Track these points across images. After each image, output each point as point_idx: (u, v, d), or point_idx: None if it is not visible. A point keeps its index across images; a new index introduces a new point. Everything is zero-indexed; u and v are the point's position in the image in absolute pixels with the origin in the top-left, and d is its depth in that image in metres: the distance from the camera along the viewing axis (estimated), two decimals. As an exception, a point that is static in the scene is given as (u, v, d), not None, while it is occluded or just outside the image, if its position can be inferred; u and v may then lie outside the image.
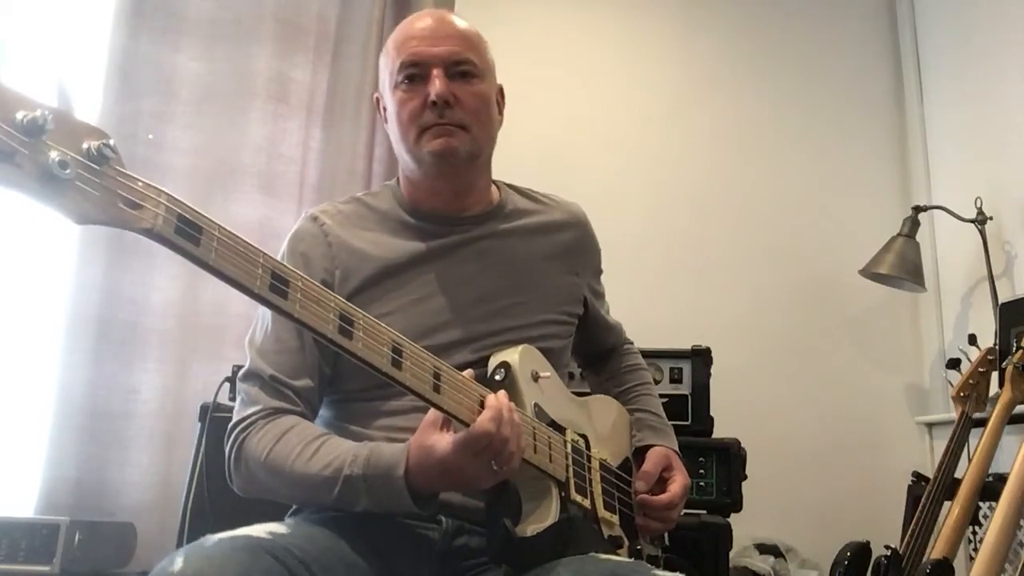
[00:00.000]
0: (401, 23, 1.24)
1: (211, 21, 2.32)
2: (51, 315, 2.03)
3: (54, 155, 0.62)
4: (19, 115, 0.60)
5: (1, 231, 2.07)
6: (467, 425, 0.93)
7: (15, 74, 0.64)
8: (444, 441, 0.94)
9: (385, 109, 1.24)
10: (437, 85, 1.13)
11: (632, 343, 1.50)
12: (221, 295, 2.15)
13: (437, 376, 0.92)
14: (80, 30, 2.19)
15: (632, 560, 1.09)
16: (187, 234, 0.72)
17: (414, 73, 1.16)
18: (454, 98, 1.15)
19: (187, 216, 0.72)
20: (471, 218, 1.24)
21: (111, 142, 0.67)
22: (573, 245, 1.31)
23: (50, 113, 0.62)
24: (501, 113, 1.27)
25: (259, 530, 0.91)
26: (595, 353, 1.46)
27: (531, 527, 1.00)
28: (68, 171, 0.62)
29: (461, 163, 1.18)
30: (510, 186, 1.33)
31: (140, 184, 0.70)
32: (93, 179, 0.65)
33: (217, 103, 2.27)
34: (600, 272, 1.40)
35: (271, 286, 0.79)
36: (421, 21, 1.20)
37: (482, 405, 0.95)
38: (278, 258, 1.20)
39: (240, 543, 0.86)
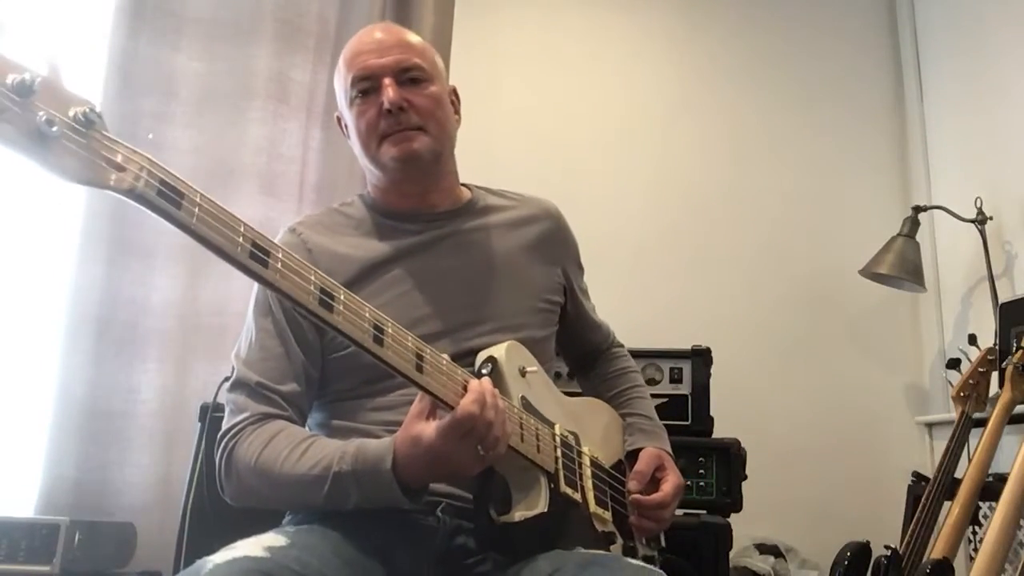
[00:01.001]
0: (349, 41, 1.29)
1: (211, 21, 2.32)
2: (51, 315, 2.02)
3: (42, 115, 0.65)
4: (9, 78, 0.64)
5: (1, 231, 2.07)
6: (452, 408, 0.93)
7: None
8: (430, 429, 0.95)
9: (346, 127, 1.29)
10: (389, 93, 1.18)
11: (622, 346, 1.50)
12: (221, 295, 2.15)
13: (420, 357, 0.92)
14: (80, 30, 2.19)
15: (607, 552, 1.10)
16: (169, 197, 0.74)
17: (367, 86, 1.21)
18: (407, 103, 1.19)
19: (168, 181, 0.75)
20: (443, 214, 1.27)
21: (96, 108, 0.70)
22: (547, 236, 1.33)
23: (38, 77, 0.65)
24: (457, 113, 1.31)
25: (256, 547, 0.89)
26: (583, 354, 1.46)
27: (517, 514, 1.01)
28: (55, 129, 0.66)
29: (424, 164, 1.21)
30: (480, 187, 1.36)
31: (123, 148, 0.72)
32: (79, 139, 0.69)
33: (217, 103, 2.26)
34: (581, 268, 1.41)
35: (251, 254, 0.80)
36: (367, 36, 1.25)
37: (465, 390, 0.96)
38: None
39: (238, 567, 0.85)
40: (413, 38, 1.26)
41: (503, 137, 2.65)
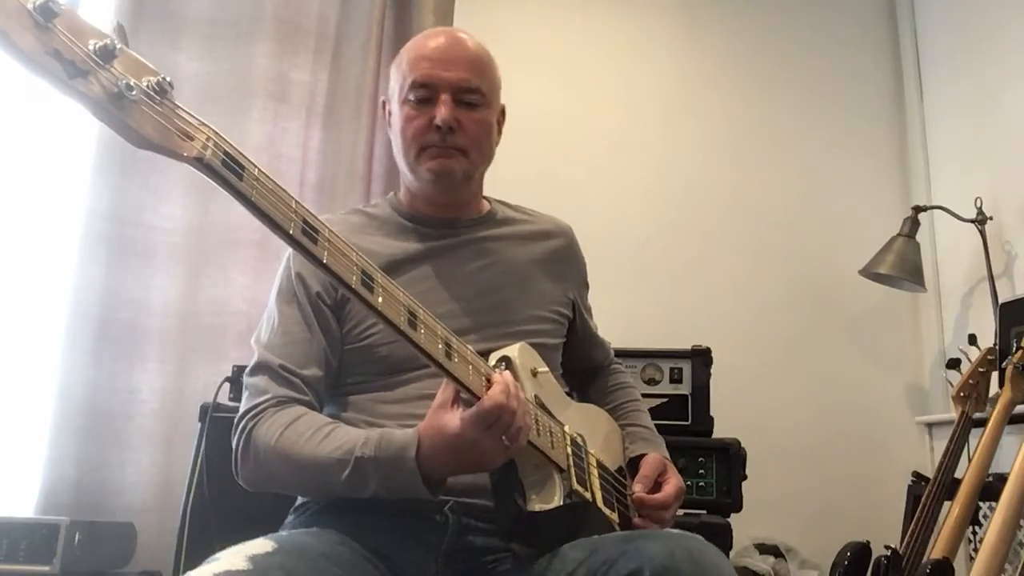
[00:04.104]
0: (416, 37, 1.30)
1: (211, 21, 2.32)
2: (51, 315, 2.02)
3: (122, 79, 0.68)
4: (92, 42, 0.67)
5: (1, 231, 2.07)
6: (477, 398, 0.94)
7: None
8: (455, 418, 0.96)
9: (390, 115, 1.30)
10: (443, 111, 1.19)
11: (620, 363, 1.53)
12: (221, 295, 2.15)
13: (448, 345, 0.94)
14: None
15: (647, 529, 1.11)
16: (232, 168, 0.76)
17: (423, 95, 1.22)
18: (457, 123, 1.21)
19: (231, 153, 0.77)
20: (465, 222, 1.31)
21: (168, 78, 0.72)
22: (559, 253, 1.37)
23: (119, 44, 0.68)
24: (500, 133, 1.34)
25: (239, 558, 0.88)
26: (585, 370, 1.48)
27: (538, 504, 1.02)
28: (134, 93, 0.68)
29: (455, 182, 1.25)
30: (499, 200, 1.40)
31: (192, 118, 0.75)
32: (155, 106, 0.71)
33: (217, 103, 2.26)
34: (587, 286, 1.45)
35: (303, 229, 0.82)
36: (435, 40, 1.25)
37: (489, 382, 0.97)
38: (284, 260, 1.24)
39: None
40: (481, 54, 1.27)
41: (503, 136, 2.64)
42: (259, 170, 0.79)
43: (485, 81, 1.25)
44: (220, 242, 2.18)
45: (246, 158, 0.78)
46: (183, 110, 0.73)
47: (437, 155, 1.22)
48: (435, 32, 1.29)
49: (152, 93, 0.70)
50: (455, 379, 0.94)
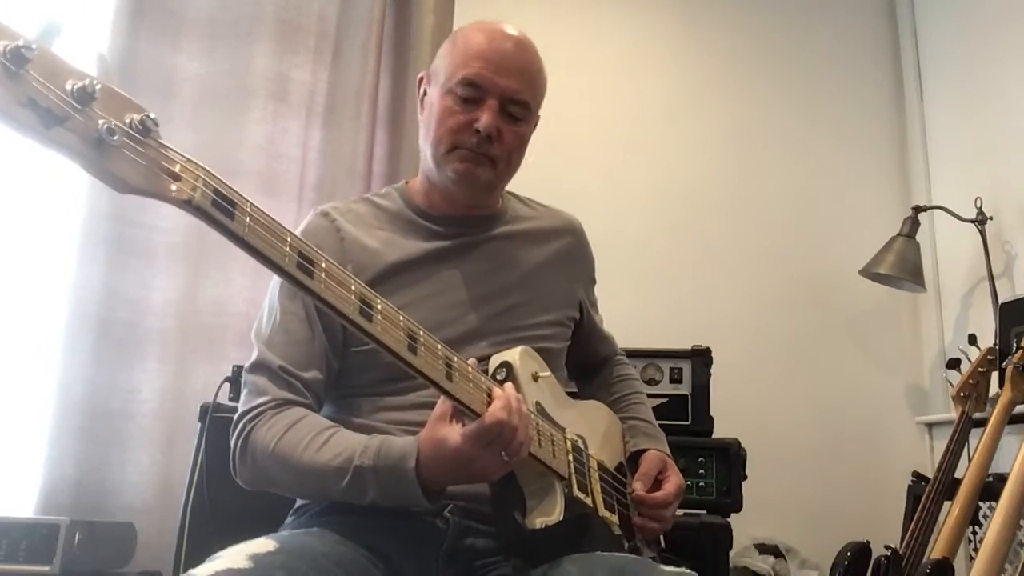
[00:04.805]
0: (478, 27, 1.24)
1: (211, 21, 2.32)
2: (51, 315, 2.02)
3: (102, 123, 0.63)
4: (69, 84, 0.62)
5: (2, 231, 2.07)
6: (477, 415, 0.94)
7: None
8: (455, 433, 0.95)
9: (425, 93, 1.27)
10: (486, 119, 1.16)
11: (623, 354, 1.52)
12: (221, 295, 2.15)
13: (449, 365, 0.93)
14: (79, 30, 2.19)
15: (637, 557, 1.10)
16: (223, 208, 0.73)
17: (471, 94, 1.18)
18: (496, 133, 1.18)
19: (222, 191, 0.74)
20: (476, 221, 1.28)
21: (152, 115, 0.69)
22: (568, 253, 1.36)
23: (98, 83, 0.64)
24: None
25: (240, 556, 0.88)
26: (589, 364, 1.47)
27: (539, 520, 1.01)
28: (115, 138, 0.64)
29: (477, 189, 1.23)
30: (510, 193, 1.38)
31: (179, 157, 0.71)
32: (138, 148, 0.67)
33: (217, 103, 2.26)
34: (594, 282, 1.44)
35: (298, 264, 0.80)
36: (497, 41, 1.21)
37: (490, 397, 0.96)
38: None
39: None
40: (538, 66, 1.25)
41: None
42: (251, 205, 0.76)
43: (534, 95, 1.23)
44: (220, 242, 2.15)
45: (237, 194, 0.75)
46: (170, 149, 0.70)
47: (467, 159, 1.19)
48: (498, 31, 1.23)
49: (135, 134, 0.66)
50: (456, 400, 0.93)
